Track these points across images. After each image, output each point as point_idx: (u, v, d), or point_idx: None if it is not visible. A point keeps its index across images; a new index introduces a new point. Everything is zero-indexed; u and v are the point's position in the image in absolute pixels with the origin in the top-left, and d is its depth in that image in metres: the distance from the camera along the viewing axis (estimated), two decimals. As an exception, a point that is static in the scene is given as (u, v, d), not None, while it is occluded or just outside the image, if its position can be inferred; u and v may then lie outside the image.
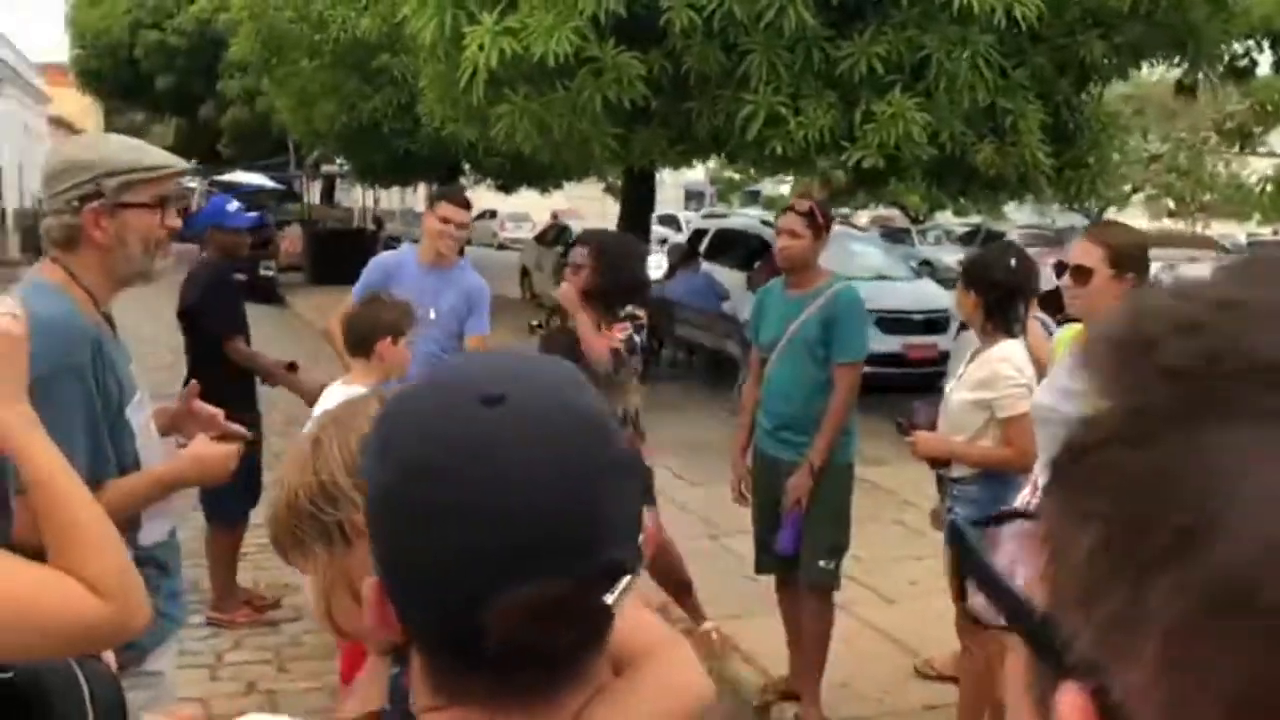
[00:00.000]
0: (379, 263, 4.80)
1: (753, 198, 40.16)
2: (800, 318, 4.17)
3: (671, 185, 46.85)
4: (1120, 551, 0.37)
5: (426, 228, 4.58)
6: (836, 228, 17.13)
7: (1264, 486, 0.34)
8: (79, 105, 45.16)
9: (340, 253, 19.11)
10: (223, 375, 4.48)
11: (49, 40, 32.24)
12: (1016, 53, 7.84)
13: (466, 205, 4.61)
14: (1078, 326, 3.36)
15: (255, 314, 5.65)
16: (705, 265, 12.33)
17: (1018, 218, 29.41)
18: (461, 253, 4.75)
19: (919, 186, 9.75)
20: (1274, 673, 0.33)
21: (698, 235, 14.43)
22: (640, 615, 1.06)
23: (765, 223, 15.29)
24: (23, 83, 39.50)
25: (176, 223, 2.29)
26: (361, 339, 3.50)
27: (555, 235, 18.18)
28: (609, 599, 0.74)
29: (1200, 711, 0.35)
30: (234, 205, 5.50)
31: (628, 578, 0.76)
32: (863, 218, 30.66)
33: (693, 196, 47.73)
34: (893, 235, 23.95)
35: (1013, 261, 3.71)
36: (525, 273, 18.98)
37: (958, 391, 3.76)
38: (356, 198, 30.17)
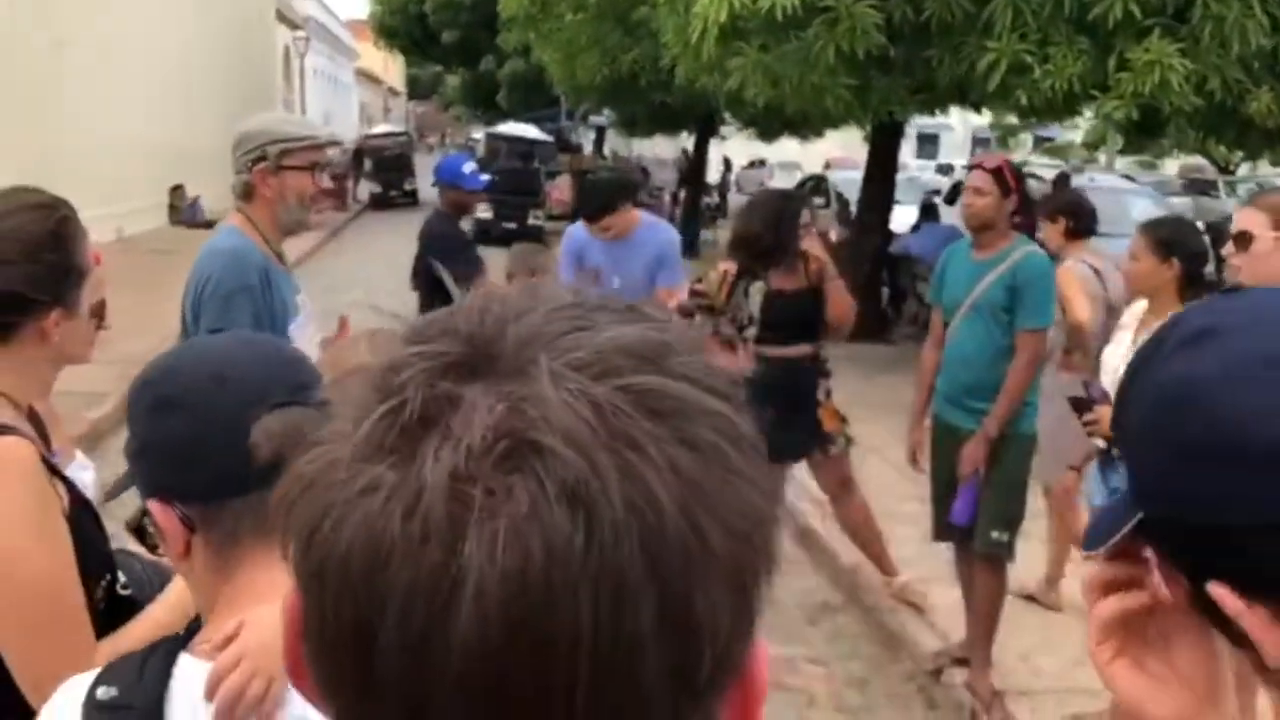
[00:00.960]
0: (570, 233, 5.06)
1: (1043, 143, 37.96)
2: (985, 281, 4.05)
3: (961, 130, 45.01)
4: None
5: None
6: (1111, 180, 16.13)
7: None
8: (382, 59, 48.45)
9: (606, 201, 19.77)
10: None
11: (357, -1, 34.99)
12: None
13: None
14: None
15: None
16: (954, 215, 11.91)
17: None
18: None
19: (1185, 139, 8.99)
20: None
21: (957, 188, 13.96)
22: None
23: (1029, 174, 14.56)
24: (331, 38, 42.72)
25: (327, 183, 2.85)
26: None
27: (814, 186, 18.00)
28: None
29: None
30: (470, 167, 5.88)
31: None
32: (1171, 166, 28.34)
33: (980, 143, 45.64)
34: (1198, 188, 22.05)
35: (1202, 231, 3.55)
36: (781, 223, 18.90)
37: None
38: (633, 147, 30.96)
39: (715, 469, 0.40)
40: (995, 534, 3.93)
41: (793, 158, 31.93)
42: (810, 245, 4.42)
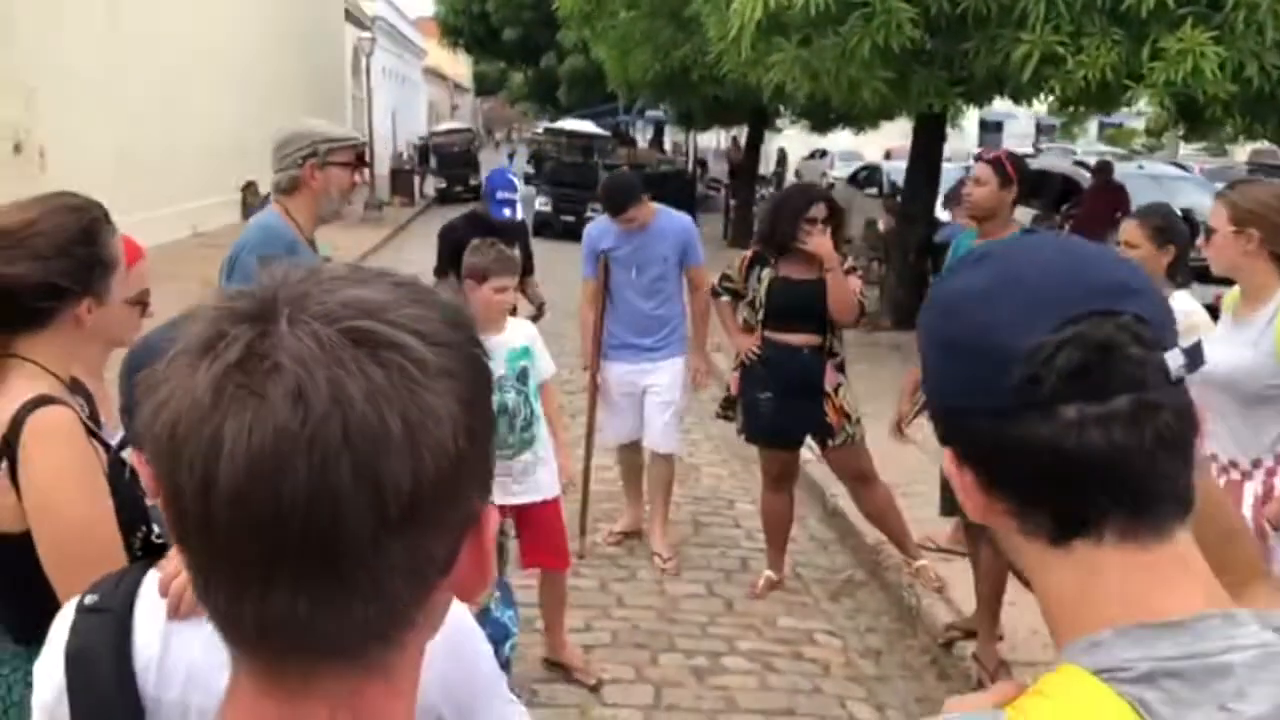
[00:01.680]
0: (590, 231, 5.41)
1: (1108, 130, 37.35)
2: (989, 267, 4.23)
3: (1026, 118, 44.33)
4: None
5: (480, 297, 4.90)
6: (1160, 168, 15.89)
7: None
8: (450, 57, 49.05)
9: (663, 195, 20.03)
10: None
11: (423, -2, 35.68)
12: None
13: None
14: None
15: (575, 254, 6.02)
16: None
17: None
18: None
19: (1223, 127, 8.97)
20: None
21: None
22: None
23: (1078, 163, 14.48)
24: (399, 37, 43.44)
25: (361, 180, 3.37)
26: (477, 277, 4.01)
27: (866, 176, 18.06)
28: None
29: None
30: (504, 194, 6.02)
31: None
32: (1241, 153, 27.73)
33: (1045, 130, 44.89)
34: (1265, 173, 21.58)
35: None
36: (836, 214, 18.97)
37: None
38: (694, 141, 31.16)
39: (397, 380, 0.60)
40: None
41: (854, 148, 31.82)
42: (815, 239, 4.55)
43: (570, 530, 5.47)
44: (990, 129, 47.73)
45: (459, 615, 1.20)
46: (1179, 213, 3.92)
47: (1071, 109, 8.80)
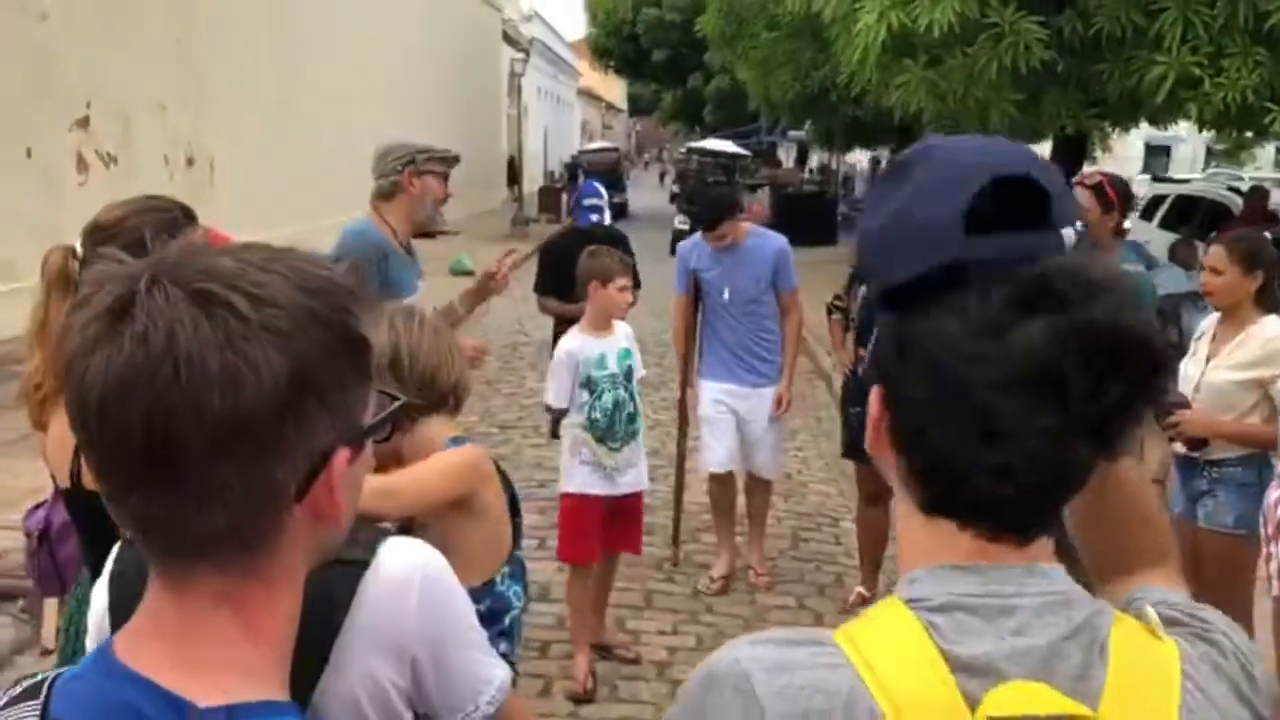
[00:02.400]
0: (682, 248, 5.36)
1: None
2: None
3: (1197, 142, 42.44)
4: None
5: (600, 297, 4.97)
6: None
7: None
8: (603, 78, 50.10)
9: (805, 215, 20.08)
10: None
11: (578, 21, 36.60)
12: None
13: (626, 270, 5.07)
14: None
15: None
16: (1156, 234, 11.57)
17: None
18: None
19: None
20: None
21: (1155, 202, 13.50)
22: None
23: (1232, 189, 13.90)
24: (555, 58, 44.58)
25: (449, 191, 3.66)
26: (580, 285, 4.33)
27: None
28: None
29: None
30: (591, 200, 6.33)
31: None
32: None
33: (1214, 154, 42.85)
34: None
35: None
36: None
37: (1222, 371, 3.66)
38: (838, 161, 31.02)
39: (220, 331, 0.74)
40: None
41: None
42: None
43: (665, 538, 5.66)
44: (1157, 153, 45.89)
45: (437, 571, 1.38)
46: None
47: (1233, 133, 8.47)
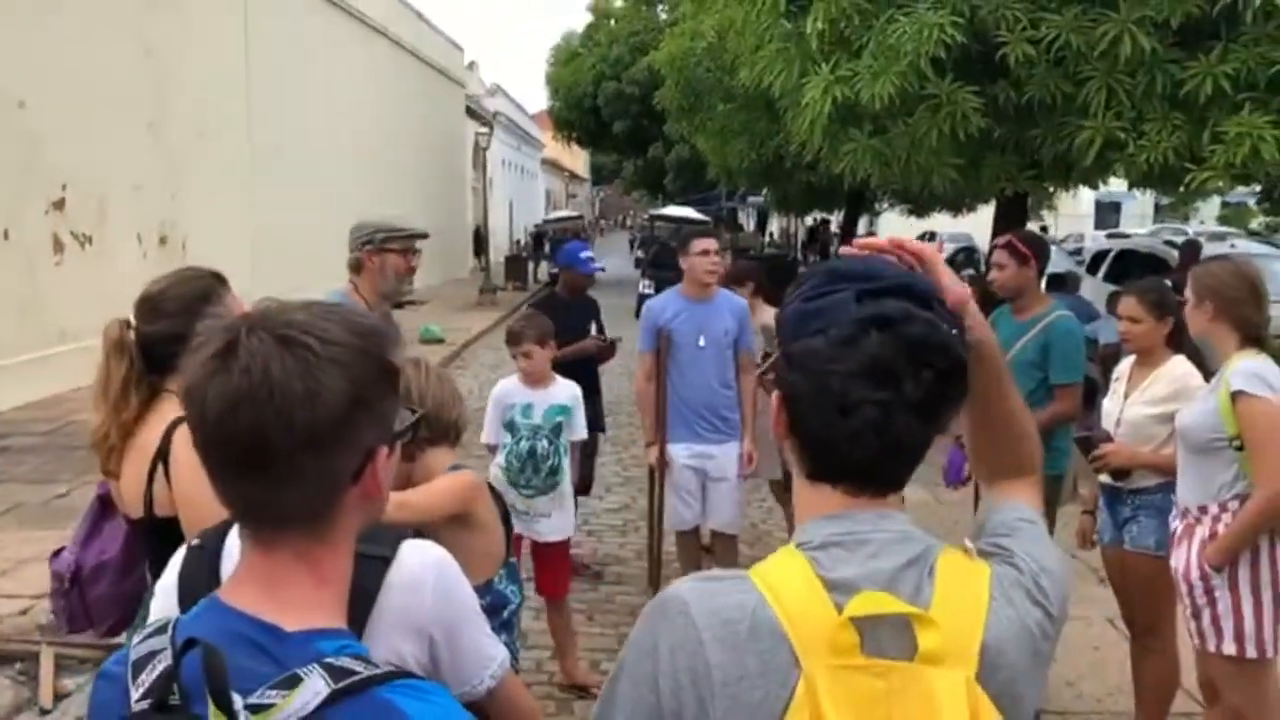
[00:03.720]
0: (651, 307, 5.51)
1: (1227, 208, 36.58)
2: (1022, 340, 4.58)
3: (1145, 199, 43.77)
4: None
5: (688, 265, 5.28)
6: (1252, 246, 15.69)
7: None
8: (566, 149, 50.93)
9: (765, 278, 20.51)
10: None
11: (540, 94, 37.56)
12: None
13: (716, 238, 5.44)
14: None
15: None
16: (1101, 286, 12.05)
17: None
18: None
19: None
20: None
21: (1099, 257, 14.08)
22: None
23: (1168, 243, 14.51)
24: (519, 131, 45.36)
25: (415, 264, 3.84)
26: (511, 342, 4.83)
27: (965, 258, 18.26)
28: None
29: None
30: (586, 253, 6.72)
31: None
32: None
33: (1162, 209, 44.09)
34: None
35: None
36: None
37: (1138, 407, 4.01)
38: (797, 225, 31.70)
39: (301, 363, 1.05)
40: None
41: (964, 230, 31.85)
42: None
43: (639, 586, 5.94)
44: (1108, 210, 47.18)
45: (447, 565, 1.67)
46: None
47: (1181, 189, 8.90)
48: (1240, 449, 3.32)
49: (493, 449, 4.86)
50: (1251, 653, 3.37)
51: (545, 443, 4.67)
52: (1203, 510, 3.43)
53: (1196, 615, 3.46)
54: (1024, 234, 4.85)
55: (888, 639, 1.16)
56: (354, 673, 1.04)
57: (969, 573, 1.23)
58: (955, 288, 1.31)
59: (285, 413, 1.05)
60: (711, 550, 5.82)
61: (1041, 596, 1.25)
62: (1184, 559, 3.48)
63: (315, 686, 1.01)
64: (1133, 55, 7.33)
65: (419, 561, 1.59)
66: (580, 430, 4.94)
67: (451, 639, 1.63)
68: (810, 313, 1.25)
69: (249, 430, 1.05)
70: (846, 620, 1.14)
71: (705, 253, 5.21)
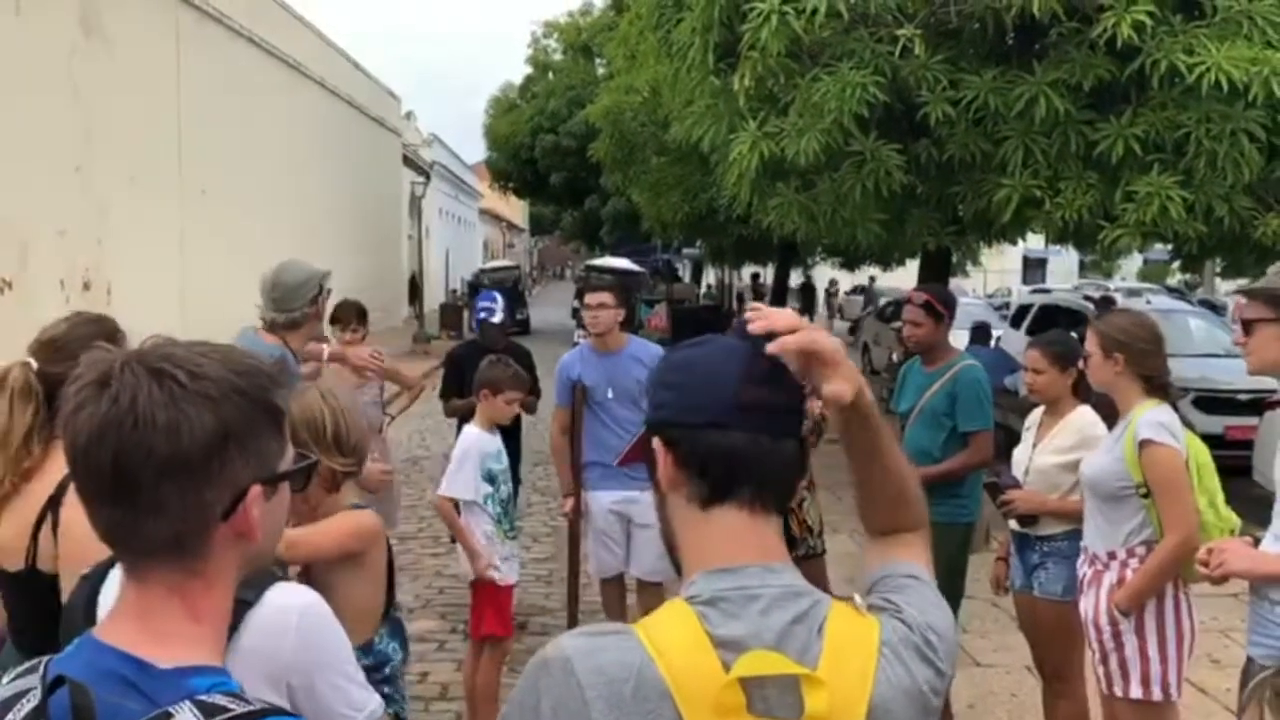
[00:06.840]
0: (563, 362, 5.57)
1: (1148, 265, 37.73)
2: (930, 390, 4.68)
3: (1070, 255, 45.04)
4: None
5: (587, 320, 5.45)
6: (1168, 301, 16.20)
7: None
8: (504, 199, 51.07)
9: (701, 327, 20.69)
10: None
11: (478, 144, 37.67)
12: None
13: (609, 289, 5.48)
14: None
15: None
16: (1023, 340, 12.31)
17: None
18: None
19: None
20: None
21: (1022, 311, 14.42)
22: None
23: (1087, 298, 14.93)
24: (456, 180, 45.41)
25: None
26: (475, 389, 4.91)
27: (894, 311, 18.55)
28: None
29: None
30: (484, 303, 6.82)
31: None
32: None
33: (1086, 265, 45.31)
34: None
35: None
36: (865, 348, 19.51)
37: (1045, 455, 4.12)
38: (732, 276, 32.08)
39: (167, 395, 1.06)
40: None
41: (899, 284, 32.45)
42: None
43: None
44: (1035, 265, 48.42)
45: (316, 611, 1.66)
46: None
47: (1096, 246, 9.14)
48: (1146, 496, 3.41)
49: (458, 505, 4.71)
50: (1157, 695, 3.45)
51: (512, 484, 4.98)
52: (1111, 556, 3.52)
53: (1104, 660, 3.53)
54: (938, 292, 4.98)
55: (775, 698, 1.16)
56: (226, 709, 1.04)
57: (858, 629, 1.24)
58: (839, 386, 1.29)
59: (145, 442, 1.06)
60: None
61: (931, 654, 1.26)
62: (1092, 604, 3.56)
63: None
64: (1047, 116, 7.60)
65: (282, 604, 1.58)
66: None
67: (312, 688, 1.61)
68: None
69: (112, 457, 1.07)
70: (734, 680, 1.15)
71: (588, 306, 5.34)
